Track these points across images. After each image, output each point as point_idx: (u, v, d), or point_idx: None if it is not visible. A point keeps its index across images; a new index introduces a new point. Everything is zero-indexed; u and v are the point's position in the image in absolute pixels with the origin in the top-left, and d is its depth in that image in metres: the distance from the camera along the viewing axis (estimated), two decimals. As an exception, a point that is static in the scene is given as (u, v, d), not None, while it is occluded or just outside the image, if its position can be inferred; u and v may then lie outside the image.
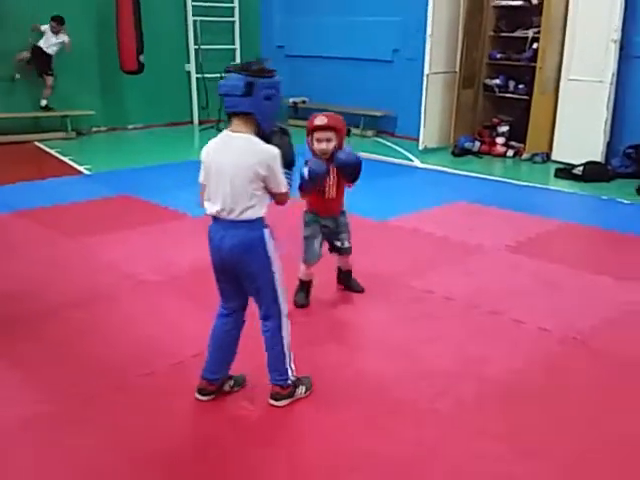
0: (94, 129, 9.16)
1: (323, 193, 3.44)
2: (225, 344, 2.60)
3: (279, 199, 2.48)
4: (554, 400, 2.68)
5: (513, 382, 2.80)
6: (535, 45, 7.38)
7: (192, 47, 9.81)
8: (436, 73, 7.86)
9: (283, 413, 2.56)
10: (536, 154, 7.43)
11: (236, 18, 10.12)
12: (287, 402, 2.58)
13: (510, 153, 7.72)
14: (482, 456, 2.30)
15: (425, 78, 7.83)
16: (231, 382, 2.66)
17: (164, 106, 9.74)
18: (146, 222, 4.96)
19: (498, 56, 7.94)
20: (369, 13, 9.09)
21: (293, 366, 2.60)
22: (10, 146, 7.87)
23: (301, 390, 2.63)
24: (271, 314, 2.52)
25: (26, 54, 8.17)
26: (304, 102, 10.00)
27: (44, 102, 8.44)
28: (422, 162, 7.49)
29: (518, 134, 7.69)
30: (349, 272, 3.76)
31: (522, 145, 7.62)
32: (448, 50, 7.92)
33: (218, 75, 9.81)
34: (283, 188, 2.43)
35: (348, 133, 3.53)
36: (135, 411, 2.55)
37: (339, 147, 3.37)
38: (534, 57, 7.33)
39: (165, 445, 2.34)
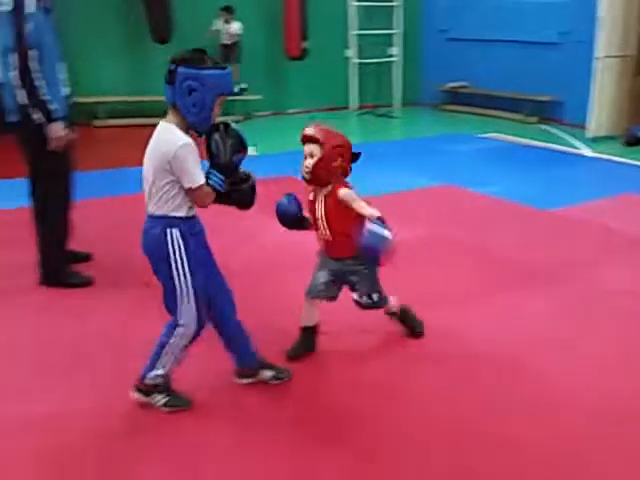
0: (258, 113, 9.64)
1: (317, 229, 2.71)
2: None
3: (193, 197, 2.26)
4: None
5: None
6: None
7: (352, 33, 9.98)
8: (608, 57, 7.40)
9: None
10: None
11: (399, 2, 10.13)
12: (141, 398, 2.46)
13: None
14: None
15: (596, 62, 7.40)
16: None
17: (323, 91, 10.03)
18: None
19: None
20: (536, -6, 8.74)
21: (162, 372, 2.41)
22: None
23: (159, 398, 2.45)
24: (174, 313, 2.37)
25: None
26: (464, 87, 9.83)
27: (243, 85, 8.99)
28: (591, 150, 7.11)
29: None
30: (396, 314, 2.98)
31: None
32: (623, 32, 7.41)
33: (376, 60, 9.99)
34: (194, 184, 2.21)
35: (355, 159, 2.67)
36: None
37: (344, 174, 2.62)
38: None
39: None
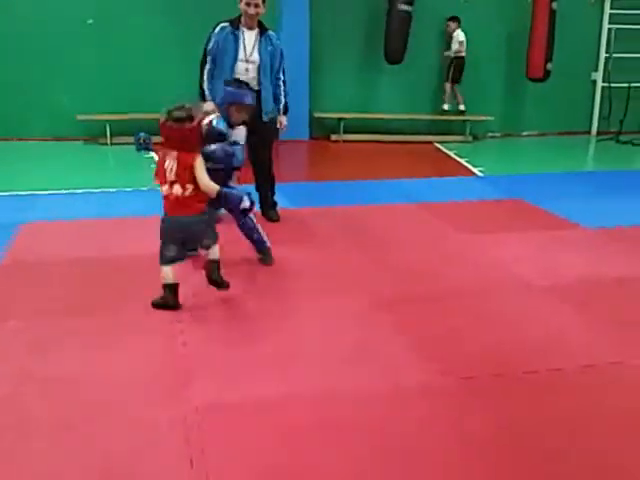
0: (489, 134, 9.53)
1: None
2: None
3: None
4: None
5: None
6: None
7: (602, 55, 9.41)
8: None
9: None
10: None
11: (657, 25, 9.35)
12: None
13: None
14: None
15: None
16: None
17: (561, 114, 9.60)
18: (535, 227, 5.02)
19: None
20: None
21: None
22: (412, 145, 8.73)
23: None
24: None
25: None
26: None
27: (445, 106, 9.05)
28: None
29: None
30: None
31: None
32: None
33: (626, 85, 9.30)
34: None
35: None
36: (513, 399, 2.67)
37: None
38: None
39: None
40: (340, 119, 8.83)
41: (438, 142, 8.88)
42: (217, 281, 3.51)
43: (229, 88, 3.97)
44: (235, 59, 4.65)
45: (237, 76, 4.57)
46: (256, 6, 4.56)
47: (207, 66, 4.70)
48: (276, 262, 4.15)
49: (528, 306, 3.62)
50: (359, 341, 3.16)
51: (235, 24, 4.69)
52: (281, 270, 4.08)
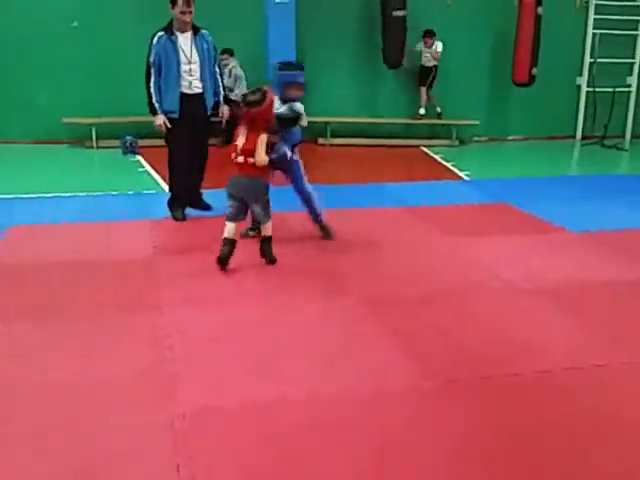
0: (475, 138, 9.58)
1: None
2: None
3: None
4: None
5: None
6: None
7: (587, 60, 9.51)
8: None
9: None
10: None
11: (640, 31, 9.47)
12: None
13: None
14: None
15: None
16: None
17: (546, 118, 9.70)
18: (520, 230, 5.06)
19: None
20: None
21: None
22: (399, 149, 8.77)
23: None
24: None
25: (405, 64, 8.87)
26: None
27: (422, 110, 9.08)
28: None
29: None
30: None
31: None
32: None
33: (610, 89, 9.40)
34: None
35: None
36: (493, 401, 2.68)
37: None
38: None
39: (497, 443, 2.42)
40: (327, 123, 8.85)
41: (425, 146, 8.93)
42: (267, 255, 4.16)
43: (283, 72, 4.51)
44: (178, 63, 4.89)
45: (183, 78, 4.91)
46: (191, 12, 4.86)
47: (152, 79, 4.91)
48: (262, 265, 4.15)
49: (514, 308, 3.64)
50: (346, 343, 3.16)
51: (169, 31, 4.90)
52: (268, 273, 4.08)
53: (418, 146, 8.95)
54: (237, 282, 3.93)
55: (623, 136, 9.80)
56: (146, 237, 4.75)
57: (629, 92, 9.75)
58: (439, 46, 8.75)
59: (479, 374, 2.89)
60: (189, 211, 5.29)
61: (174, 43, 4.89)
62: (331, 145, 8.87)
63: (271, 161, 4.08)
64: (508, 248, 4.65)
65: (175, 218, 5.19)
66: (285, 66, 4.69)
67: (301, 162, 4.65)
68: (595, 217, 5.42)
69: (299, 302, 3.64)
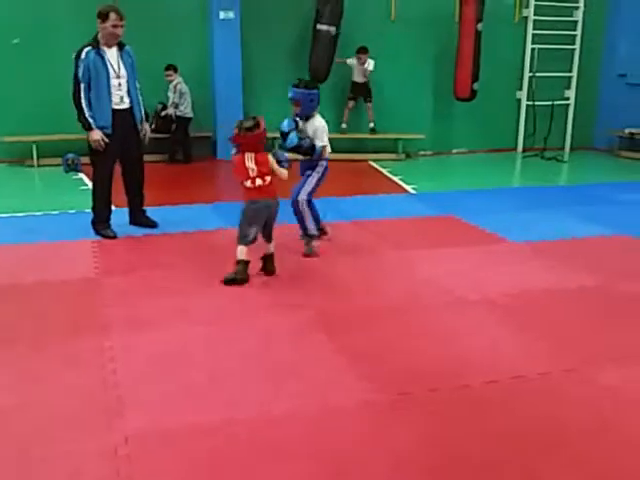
0: (421, 152, 9.73)
1: None
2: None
3: None
4: None
5: None
6: None
7: (526, 75, 9.79)
8: None
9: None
10: None
11: (577, 46, 9.80)
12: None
13: None
14: None
15: None
16: None
17: (489, 132, 9.93)
18: (466, 242, 5.13)
19: None
20: None
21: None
22: (347, 163, 8.82)
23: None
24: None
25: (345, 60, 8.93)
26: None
27: (372, 125, 9.22)
28: None
29: None
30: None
31: None
32: None
33: (549, 103, 9.69)
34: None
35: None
36: (444, 414, 2.69)
37: None
38: None
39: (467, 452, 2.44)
40: (273, 139, 8.83)
41: (372, 160, 9.01)
42: (271, 270, 4.23)
43: (298, 90, 4.71)
44: (108, 77, 4.86)
45: (113, 93, 4.89)
46: (122, 26, 4.88)
47: (82, 94, 4.84)
48: (209, 284, 4.09)
49: (461, 320, 3.68)
50: (296, 360, 3.13)
51: (95, 45, 4.86)
52: (214, 291, 4.02)
53: (367, 160, 9.03)
54: (183, 301, 3.85)
55: (563, 148, 10.11)
56: (88, 257, 4.62)
57: (567, 105, 10.06)
58: (371, 64, 8.80)
59: (429, 387, 2.90)
60: (133, 229, 5.18)
61: (102, 58, 4.86)
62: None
63: (298, 147, 4.47)
64: (455, 260, 4.71)
65: (106, 236, 5.04)
66: (296, 83, 4.82)
67: (316, 177, 4.87)
68: (537, 227, 5.56)
69: (247, 319, 3.60)
